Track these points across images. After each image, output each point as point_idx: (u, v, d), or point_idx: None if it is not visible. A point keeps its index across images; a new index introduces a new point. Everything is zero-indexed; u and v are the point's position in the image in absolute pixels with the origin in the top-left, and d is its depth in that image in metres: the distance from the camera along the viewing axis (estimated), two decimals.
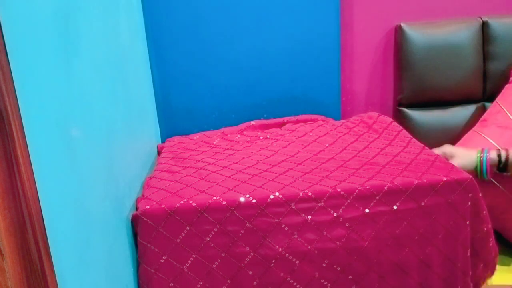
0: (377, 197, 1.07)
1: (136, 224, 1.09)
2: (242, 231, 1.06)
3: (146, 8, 1.65)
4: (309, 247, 1.06)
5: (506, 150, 1.29)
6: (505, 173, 1.30)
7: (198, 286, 1.08)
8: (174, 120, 1.76)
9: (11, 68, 0.56)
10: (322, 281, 1.08)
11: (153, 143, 1.61)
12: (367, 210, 1.07)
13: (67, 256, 0.69)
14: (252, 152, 1.39)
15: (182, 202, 1.07)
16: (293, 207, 1.06)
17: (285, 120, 1.70)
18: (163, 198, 1.10)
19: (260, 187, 1.11)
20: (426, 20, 1.80)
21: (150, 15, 1.66)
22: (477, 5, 1.80)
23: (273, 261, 1.07)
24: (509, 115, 1.57)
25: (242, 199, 1.06)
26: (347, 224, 1.07)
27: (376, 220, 1.07)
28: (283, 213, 1.06)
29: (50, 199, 0.64)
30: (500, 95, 1.67)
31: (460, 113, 1.80)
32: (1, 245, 0.53)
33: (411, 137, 1.40)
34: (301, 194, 1.06)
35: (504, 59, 1.74)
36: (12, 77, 0.56)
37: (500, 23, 1.74)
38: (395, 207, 1.08)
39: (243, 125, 1.69)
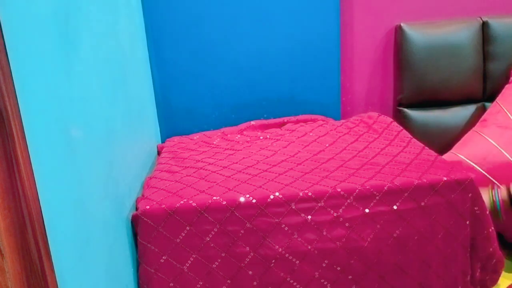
0: (377, 197, 1.07)
1: (136, 224, 1.09)
2: (242, 231, 1.06)
3: (146, 8, 1.65)
4: (309, 247, 1.06)
5: None
6: None
7: (198, 286, 1.08)
8: (174, 120, 1.76)
9: (11, 68, 0.56)
10: (322, 281, 1.08)
11: (153, 143, 1.61)
12: (367, 210, 1.07)
13: (67, 256, 0.69)
14: (252, 152, 1.39)
15: (182, 202, 1.07)
16: (293, 207, 1.06)
17: (285, 120, 1.70)
18: (163, 198, 1.10)
19: (260, 187, 1.11)
20: (426, 20, 1.80)
21: (150, 15, 1.66)
22: (477, 5, 1.80)
23: (273, 261, 1.07)
24: (509, 115, 1.57)
25: (242, 199, 1.06)
26: (347, 224, 1.07)
27: (376, 220, 1.07)
28: (283, 213, 1.06)
29: (50, 199, 0.64)
30: (500, 95, 1.67)
31: (460, 113, 1.80)
32: (1, 245, 0.53)
33: (411, 137, 1.40)
34: (301, 194, 1.06)
35: (504, 59, 1.74)
36: (12, 77, 0.56)
37: (500, 23, 1.74)
38: (395, 207, 1.08)
39: (243, 125, 1.69)
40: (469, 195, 1.10)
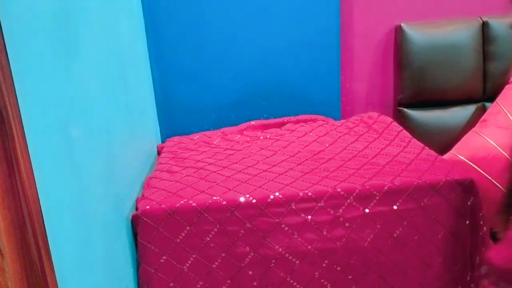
0: (377, 197, 1.07)
1: (136, 224, 1.09)
2: (242, 231, 1.06)
3: (146, 8, 1.65)
4: (309, 247, 1.06)
5: None
6: None
7: (198, 286, 1.08)
8: (174, 120, 1.76)
9: (11, 68, 0.56)
10: (322, 281, 1.08)
11: (153, 143, 1.61)
12: (367, 210, 1.07)
13: (67, 256, 0.69)
14: (252, 152, 1.39)
15: (182, 202, 1.07)
16: (293, 207, 1.06)
17: (285, 120, 1.70)
18: (163, 198, 1.10)
19: (260, 187, 1.11)
20: (426, 20, 1.80)
21: (150, 15, 1.66)
22: (477, 5, 1.80)
23: (273, 261, 1.07)
24: (509, 115, 1.57)
25: (242, 199, 1.06)
26: (347, 224, 1.07)
27: (376, 220, 1.07)
28: (283, 213, 1.06)
29: (50, 199, 0.64)
30: (500, 95, 1.67)
31: (460, 113, 1.80)
32: (1, 245, 0.52)
33: (411, 137, 1.40)
34: (301, 194, 1.06)
35: (504, 59, 1.74)
36: (12, 77, 0.56)
37: (500, 23, 1.74)
38: (395, 207, 1.08)
39: (243, 125, 1.69)
40: (469, 195, 1.10)
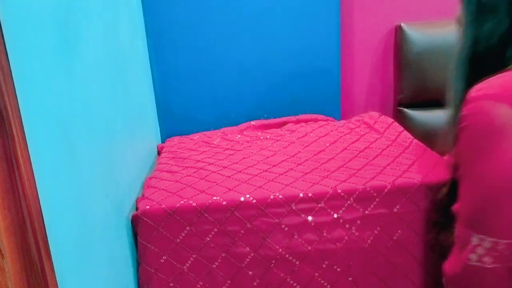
0: (377, 199, 1.07)
1: (136, 224, 1.09)
2: (242, 231, 1.06)
3: (146, 8, 1.65)
4: (309, 248, 1.06)
5: None
6: None
7: (198, 286, 1.08)
8: (174, 120, 1.76)
9: (11, 68, 0.56)
10: (322, 282, 1.08)
11: (153, 143, 1.61)
12: (367, 212, 1.07)
13: (67, 256, 0.69)
14: (252, 152, 1.39)
15: (182, 202, 1.07)
16: (293, 208, 1.06)
17: (286, 120, 1.69)
18: (163, 198, 1.10)
19: (260, 187, 1.10)
20: (426, 20, 1.80)
21: (150, 15, 1.66)
22: None
23: (273, 261, 1.07)
24: None
25: (242, 199, 1.06)
26: (347, 226, 1.07)
27: (376, 222, 1.07)
28: (283, 214, 1.06)
29: (50, 199, 0.64)
30: None
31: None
32: (1, 245, 0.52)
33: (413, 138, 1.39)
34: (301, 194, 1.06)
35: None
36: (12, 77, 0.56)
37: None
38: (395, 210, 1.07)
39: (243, 125, 1.69)
40: None
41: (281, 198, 1.06)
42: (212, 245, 1.07)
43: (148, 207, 1.07)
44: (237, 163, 1.30)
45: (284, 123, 1.68)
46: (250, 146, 1.47)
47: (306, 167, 1.22)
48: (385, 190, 1.07)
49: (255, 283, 1.08)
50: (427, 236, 1.09)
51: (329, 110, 1.79)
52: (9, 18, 0.57)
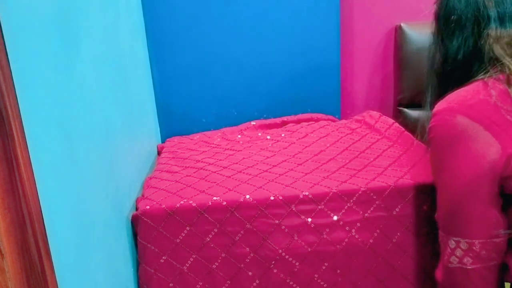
0: (377, 202, 1.07)
1: (136, 224, 1.09)
2: (242, 232, 1.06)
3: (146, 8, 1.65)
4: (309, 249, 1.06)
5: None
6: None
7: (198, 286, 1.08)
8: (174, 120, 1.76)
9: (11, 68, 0.56)
10: (322, 283, 1.08)
11: (153, 143, 1.61)
12: (367, 214, 1.07)
13: (67, 256, 0.69)
14: (252, 153, 1.39)
15: (182, 202, 1.07)
16: (293, 209, 1.06)
17: (286, 120, 1.69)
18: (163, 198, 1.10)
19: (261, 187, 1.10)
20: (426, 20, 1.79)
21: (150, 15, 1.66)
22: None
23: (273, 262, 1.07)
24: None
25: (242, 199, 1.06)
26: (347, 228, 1.06)
27: (376, 225, 1.07)
28: (283, 215, 1.06)
29: (50, 199, 0.64)
30: None
31: None
32: (1, 245, 0.52)
33: (414, 138, 1.39)
34: (301, 196, 1.06)
35: None
36: (12, 77, 0.56)
37: None
38: (394, 212, 1.07)
39: (243, 125, 1.69)
40: None
41: (281, 199, 1.06)
42: (212, 245, 1.07)
43: (148, 207, 1.07)
44: (237, 163, 1.30)
45: (285, 123, 1.68)
46: (250, 146, 1.47)
47: (307, 167, 1.22)
48: (385, 193, 1.07)
49: (255, 284, 1.08)
50: (426, 238, 1.09)
51: (329, 110, 1.79)
52: (9, 18, 0.57)
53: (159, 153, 1.60)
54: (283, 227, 1.06)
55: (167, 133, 1.75)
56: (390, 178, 1.11)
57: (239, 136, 1.60)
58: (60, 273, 0.65)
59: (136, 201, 1.16)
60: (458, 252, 0.88)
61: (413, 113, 1.81)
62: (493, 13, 0.89)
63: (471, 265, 0.87)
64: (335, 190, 1.07)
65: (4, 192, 0.53)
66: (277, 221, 1.06)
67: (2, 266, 0.53)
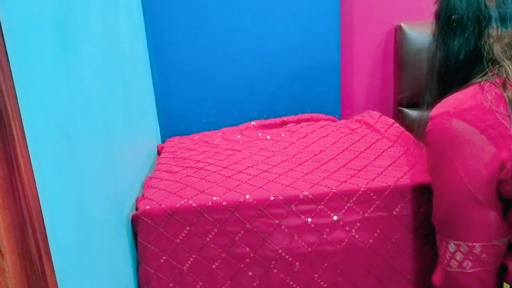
0: (377, 202, 1.07)
1: (136, 224, 1.09)
2: (242, 232, 1.06)
3: (146, 8, 1.65)
4: (309, 249, 1.06)
5: None
6: None
7: (198, 286, 1.08)
8: (174, 120, 1.76)
9: (11, 68, 0.56)
10: (322, 283, 1.08)
11: (153, 143, 1.61)
12: (367, 214, 1.07)
13: (67, 256, 0.69)
14: (252, 153, 1.39)
15: (182, 202, 1.07)
16: (293, 209, 1.06)
17: (286, 120, 1.69)
18: (163, 198, 1.10)
19: (261, 187, 1.10)
20: (426, 20, 1.80)
21: (150, 15, 1.66)
22: None
23: (273, 262, 1.07)
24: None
25: (242, 199, 1.06)
26: (347, 228, 1.06)
27: (375, 225, 1.07)
28: (283, 215, 1.06)
29: (50, 199, 0.64)
30: None
31: None
32: (1, 245, 0.52)
33: (414, 138, 1.39)
34: (301, 196, 1.06)
35: None
36: (12, 77, 0.56)
37: None
38: (394, 213, 1.07)
39: (243, 125, 1.69)
40: None
41: (281, 199, 1.06)
42: (212, 245, 1.07)
43: (148, 207, 1.07)
44: (237, 163, 1.30)
45: (285, 123, 1.68)
46: (250, 146, 1.47)
47: (307, 167, 1.22)
48: (385, 193, 1.07)
49: (255, 284, 1.08)
50: (426, 238, 1.09)
51: (329, 110, 1.79)
52: (9, 18, 0.57)
53: (159, 153, 1.60)
54: (283, 227, 1.06)
55: (167, 133, 1.75)
56: (390, 178, 1.11)
57: (239, 136, 1.60)
58: (60, 273, 0.65)
59: (136, 201, 1.16)
60: (459, 256, 0.88)
61: (413, 113, 1.81)
62: (494, 13, 0.89)
63: (470, 268, 0.87)
64: (335, 190, 1.07)
65: (4, 192, 0.53)
66: (277, 221, 1.06)
67: (2, 266, 0.53)
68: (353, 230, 1.06)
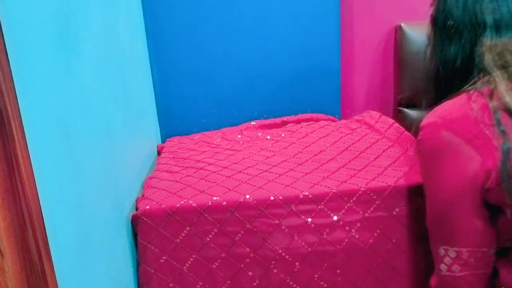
0: (377, 202, 1.07)
1: (136, 224, 1.09)
2: (242, 232, 1.06)
3: (146, 8, 1.65)
4: (309, 249, 1.06)
5: None
6: None
7: (198, 286, 1.08)
8: (174, 120, 1.76)
9: (11, 68, 0.56)
10: (322, 283, 1.08)
11: (153, 143, 1.61)
12: (367, 214, 1.07)
13: (67, 256, 0.69)
14: (252, 153, 1.39)
15: (182, 202, 1.07)
16: (293, 209, 1.06)
17: (286, 120, 1.69)
18: (163, 198, 1.10)
19: (261, 187, 1.10)
20: (426, 20, 1.80)
21: (150, 15, 1.66)
22: None
23: (273, 262, 1.07)
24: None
25: (242, 199, 1.06)
26: (347, 228, 1.06)
27: (376, 225, 1.07)
28: (283, 215, 1.06)
29: (50, 199, 0.64)
30: None
31: None
32: (1, 245, 0.52)
33: (414, 139, 1.39)
34: (301, 196, 1.06)
35: None
36: (12, 77, 0.56)
37: None
38: (394, 213, 1.07)
39: (243, 125, 1.69)
40: None
41: (281, 199, 1.06)
42: (212, 245, 1.07)
43: (148, 207, 1.07)
44: (237, 163, 1.30)
45: (285, 123, 1.68)
46: (250, 146, 1.47)
47: (307, 167, 1.22)
48: (385, 193, 1.07)
49: (255, 284, 1.08)
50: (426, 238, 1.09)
51: (329, 110, 1.79)
52: (9, 18, 0.57)
53: (159, 153, 1.60)
54: (283, 227, 1.06)
55: (167, 133, 1.75)
56: (390, 178, 1.11)
57: (239, 136, 1.60)
58: (60, 273, 0.65)
59: (136, 201, 1.16)
60: (447, 260, 0.90)
61: (413, 113, 1.81)
62: (489, 20, 0.89)
63: (459, 272, 0.89)
64: (335, 190, 1.07)
65: (4, 192, 0.53)
66: (277, 221, 1.06)
67: (2, 266, 0.53)
68: (353, 230, 1.06)
